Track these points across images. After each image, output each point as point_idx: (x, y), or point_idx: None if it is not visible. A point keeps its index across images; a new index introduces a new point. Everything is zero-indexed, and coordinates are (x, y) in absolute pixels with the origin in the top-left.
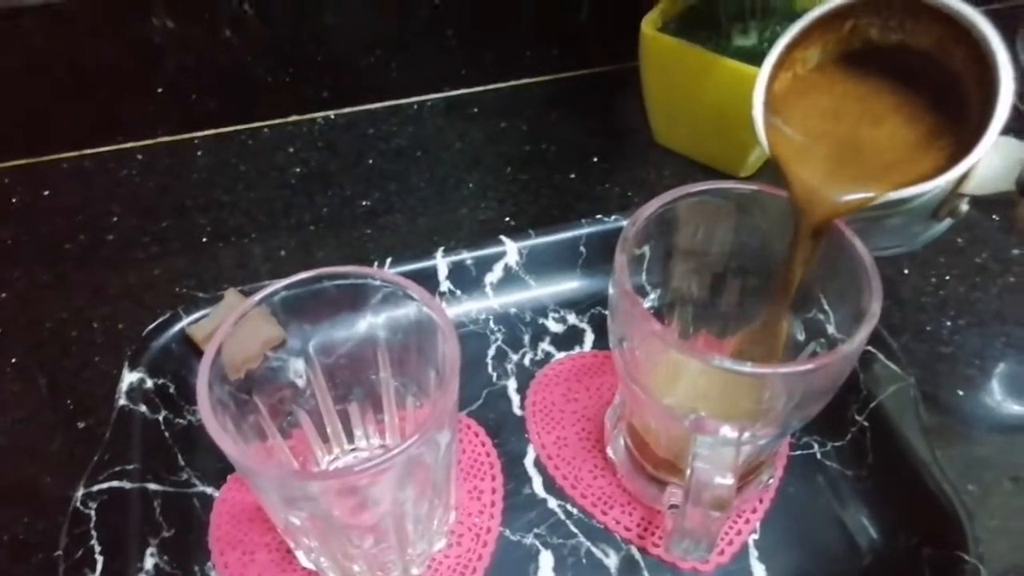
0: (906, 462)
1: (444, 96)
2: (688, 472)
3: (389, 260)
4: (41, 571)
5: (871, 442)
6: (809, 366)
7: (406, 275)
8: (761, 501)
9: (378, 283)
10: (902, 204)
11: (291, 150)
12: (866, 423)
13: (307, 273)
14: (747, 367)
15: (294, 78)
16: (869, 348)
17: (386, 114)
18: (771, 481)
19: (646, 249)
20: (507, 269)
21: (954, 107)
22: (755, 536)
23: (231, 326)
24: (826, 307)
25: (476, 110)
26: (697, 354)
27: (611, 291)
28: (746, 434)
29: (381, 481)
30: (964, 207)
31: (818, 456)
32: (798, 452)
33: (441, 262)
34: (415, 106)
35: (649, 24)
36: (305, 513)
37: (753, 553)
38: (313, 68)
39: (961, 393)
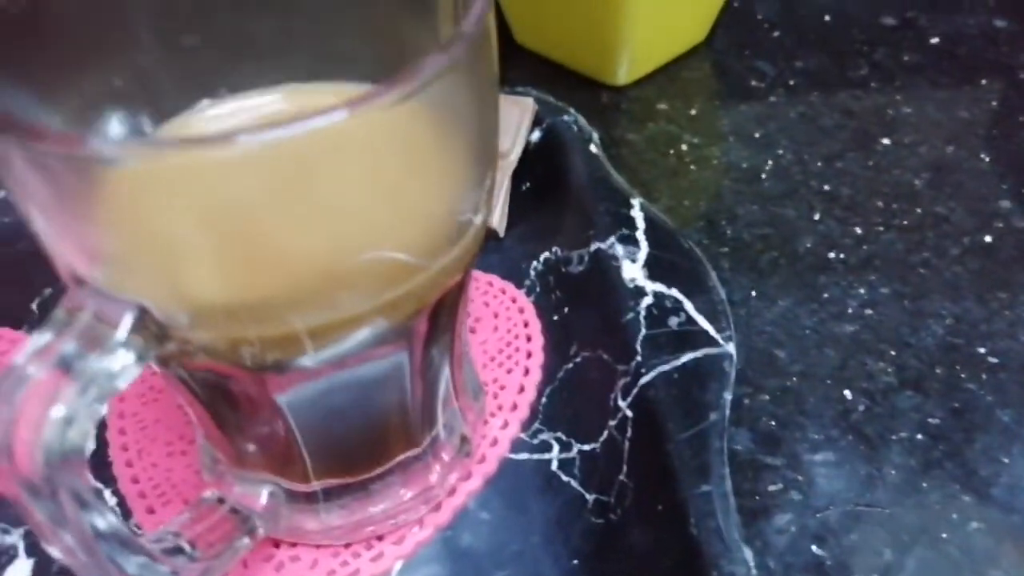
0: (667, 485)
1: None
2: None
3: None
4: None
5: (628, 447)
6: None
7: None
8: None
9: None
10: None
11: None
12: (629, 413)
13: None
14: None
15: None
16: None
17: None
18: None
19: None
20: None
21: None
22: None
23: None
24: None
25: None
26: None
27: None
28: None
29: None
30: None
31: (554, 466)
32: (525, 456)
33: None
34: None
35: None
36: None
37: None
38: None
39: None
